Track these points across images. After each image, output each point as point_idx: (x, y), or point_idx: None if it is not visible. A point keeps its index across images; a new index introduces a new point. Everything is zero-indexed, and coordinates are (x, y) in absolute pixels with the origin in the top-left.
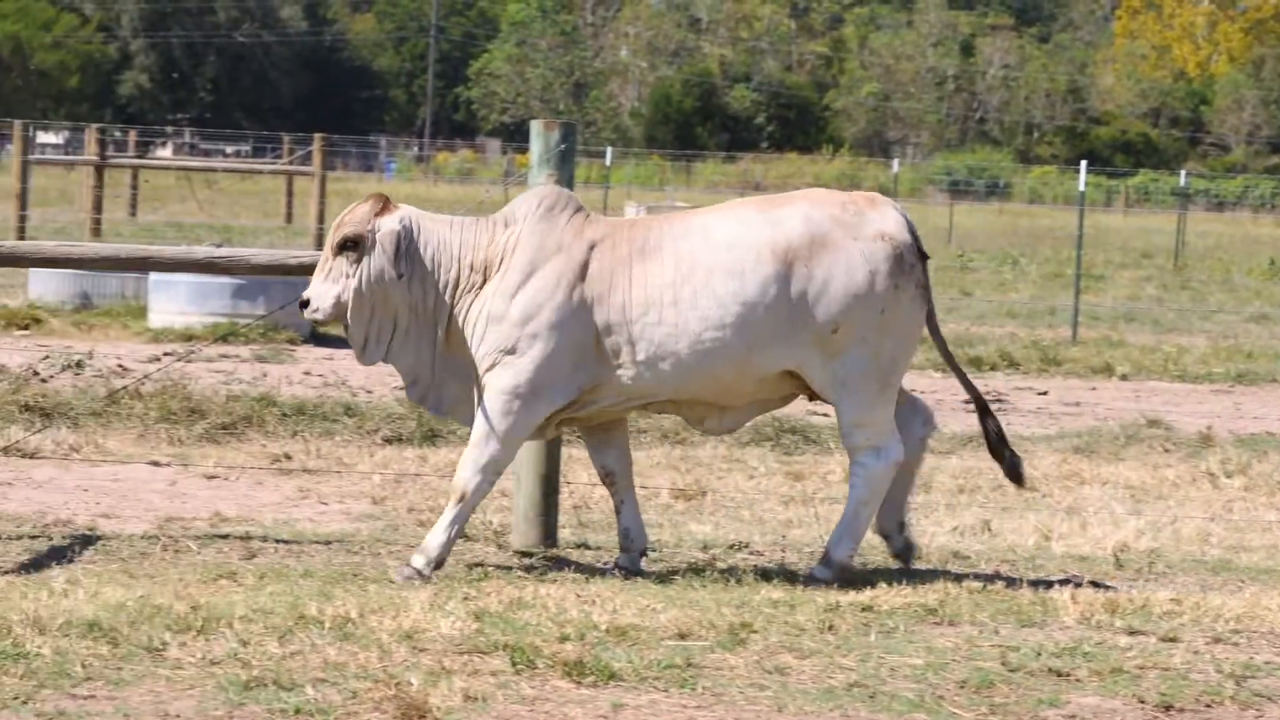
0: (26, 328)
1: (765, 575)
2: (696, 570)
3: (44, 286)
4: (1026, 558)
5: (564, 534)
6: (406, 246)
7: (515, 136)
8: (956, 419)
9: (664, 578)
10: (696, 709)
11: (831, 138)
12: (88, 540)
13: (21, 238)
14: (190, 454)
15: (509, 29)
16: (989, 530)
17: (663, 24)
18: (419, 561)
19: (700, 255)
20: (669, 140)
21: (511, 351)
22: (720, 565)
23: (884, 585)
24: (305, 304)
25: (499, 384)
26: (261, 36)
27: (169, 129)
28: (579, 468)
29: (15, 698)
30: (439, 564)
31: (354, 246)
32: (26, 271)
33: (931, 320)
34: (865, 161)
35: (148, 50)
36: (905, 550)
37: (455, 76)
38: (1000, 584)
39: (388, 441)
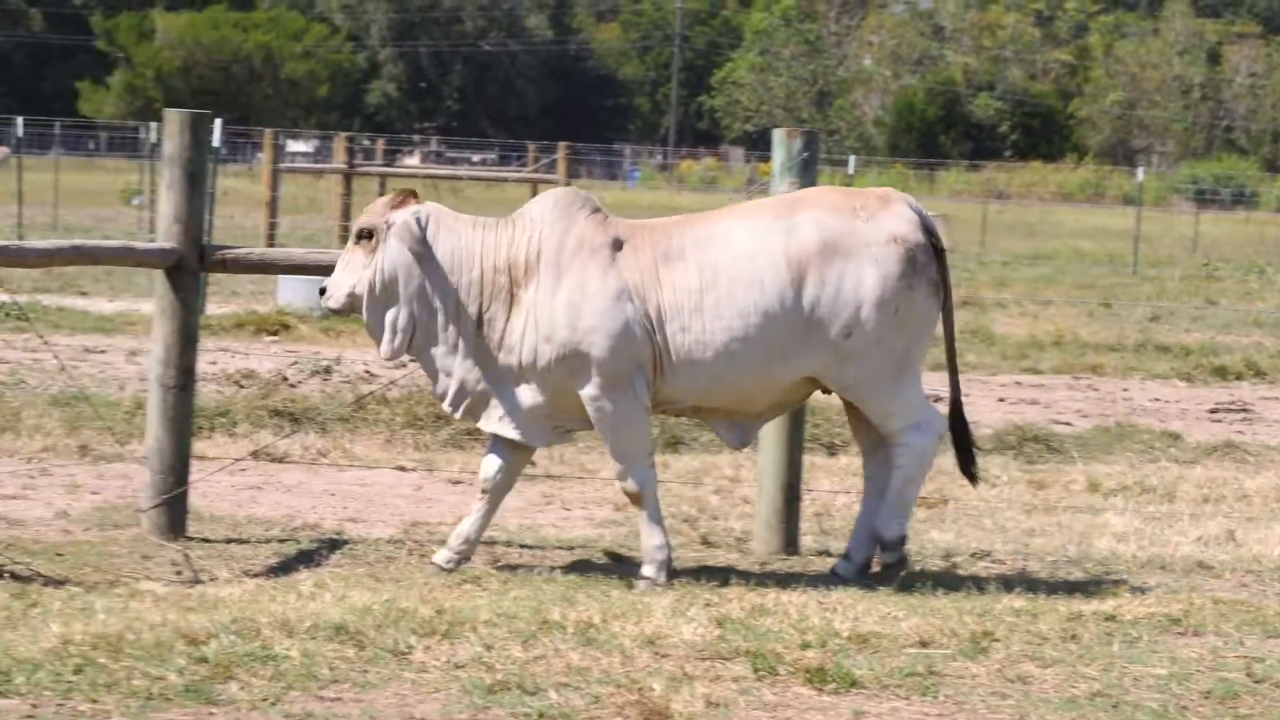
0: (276, 334)
1: (1007, 584)
2: (938, 578)
3: (293, 293)
4: (1272, 568)
5: (805, 541)
6: (420, 240)
7: (758, 145)
8: (1201, 428)
9: (906, 586)
10: (938, 717)
11: (1075, 146)
12: (335, 544)
13: (271, 244)
14: (435, 459)
15: (753, 38)
16: (1234, 540)
17: (906, 32)
18: (649, 571)
19: (723, 264)
20: (912, 148)
21: (581, 356)
22: (962, 573)
23: (1127, 595)
24: (323, 292)
25: (591, 391)
26: (507, 45)
27: (416, 137)
28: (821, 475)
29: (264, 699)
30: (667, 564)
31: (369, 237)
32: (276, 278)
33: (947, 312)
34: (1110, 170)
35: (396, 59)
36: (865, 565)
37: (699, 85)
38: (1245, 594)
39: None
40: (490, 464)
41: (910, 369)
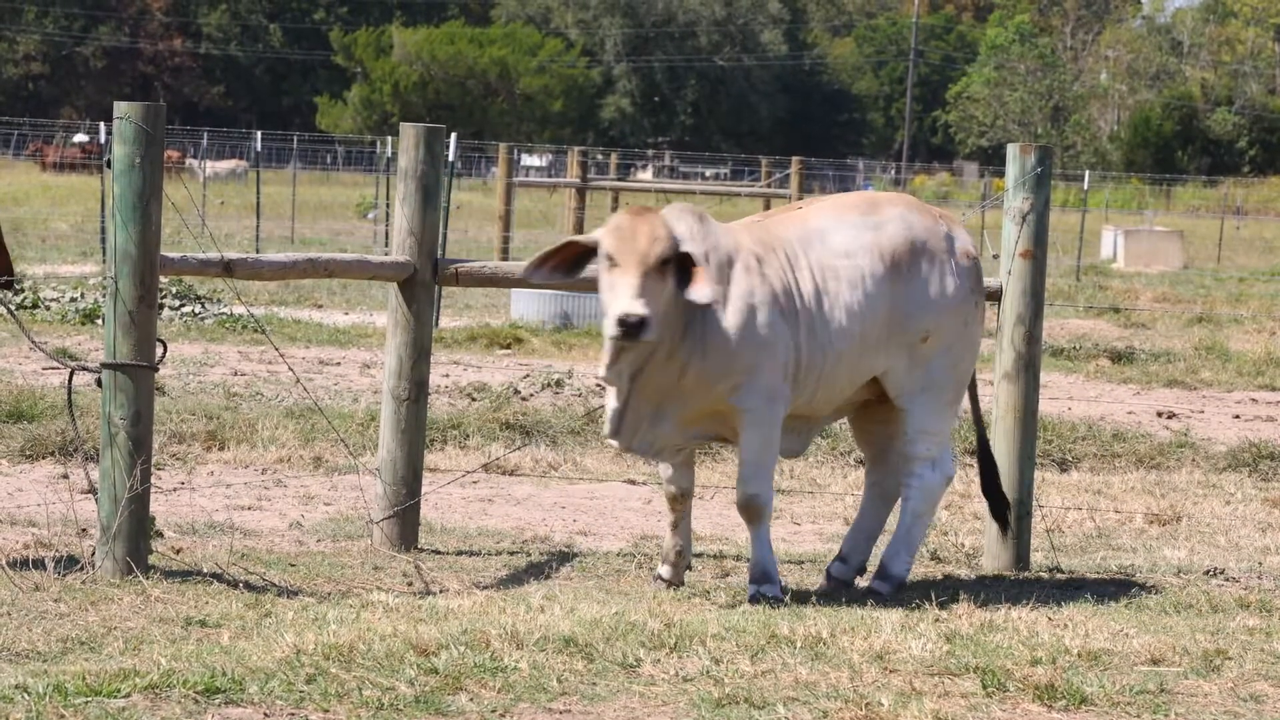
0: (509, 347)
1: (1241, 602)
2: (1171, 595)
3: (526, 307)
4: None
5: (1036, 557)
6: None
7: (992, 160)
8: None
9: (1137, 603)
10: None
11: None
12: (565, 557)
13: (505, 258)
14: None
15: (988, 53)
16: None
17: (1143, 47)
18: (764, 590)
19: (828, 263)
20: (1148, 164)
21: (750, 362)
22: (1195, 590)
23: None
24: (627, 325)
25: (750, 403)
26: (742, 60)
27: (649, 151)
28: (1052, 490)
29: (493, 710)
30: (771, 577)
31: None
32: (509, 292)
33: None
34: None
35: (630, 74)
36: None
37: (933, 100)
38: None
39: (860, 463)
40: (686, 475)
41: (958, 398)
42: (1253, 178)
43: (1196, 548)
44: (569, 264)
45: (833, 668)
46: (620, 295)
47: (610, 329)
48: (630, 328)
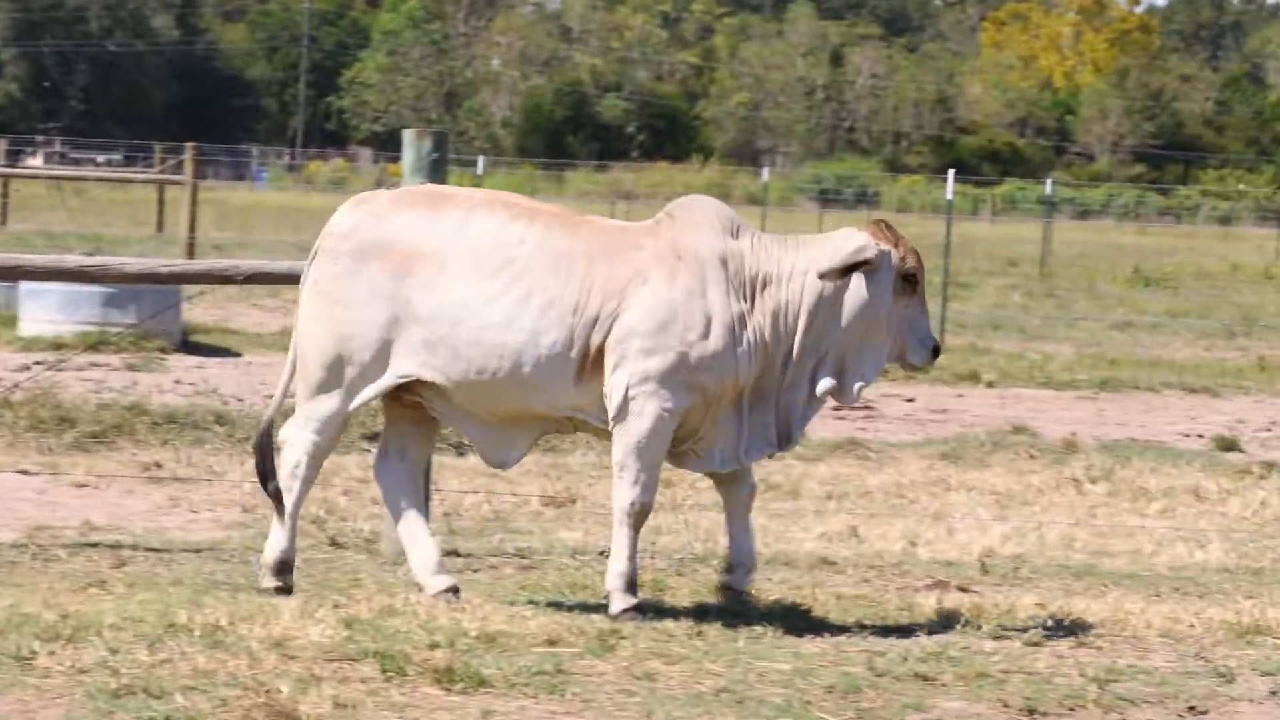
0: None
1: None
2: (566, 577)
3: None
4: (893, 563)
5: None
6: None
7: (387, 146)
8: (825, 425)
9: (534, 585)
10: (565, 715)
11: (702, 147)
12: None
13: None
14: (60, 462)
15: (380, 38)
16: (856, 536)
17: (534, 34)
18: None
19: None
20: (540, 149)
21: None
22: (591, 571)
23: (753, 592)
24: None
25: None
26: (133, 45)
27: (39, 138)
28: (450, 475)
29: None
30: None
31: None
32: None
33: None
34: (734, 171)
35: (18, 59)
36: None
37: (327, 85)
38: (868, 590)
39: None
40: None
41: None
42: (642, 162)
43: (591, 529)
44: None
45: (231, 655)
46: (927, 321)
47: (927, 358)
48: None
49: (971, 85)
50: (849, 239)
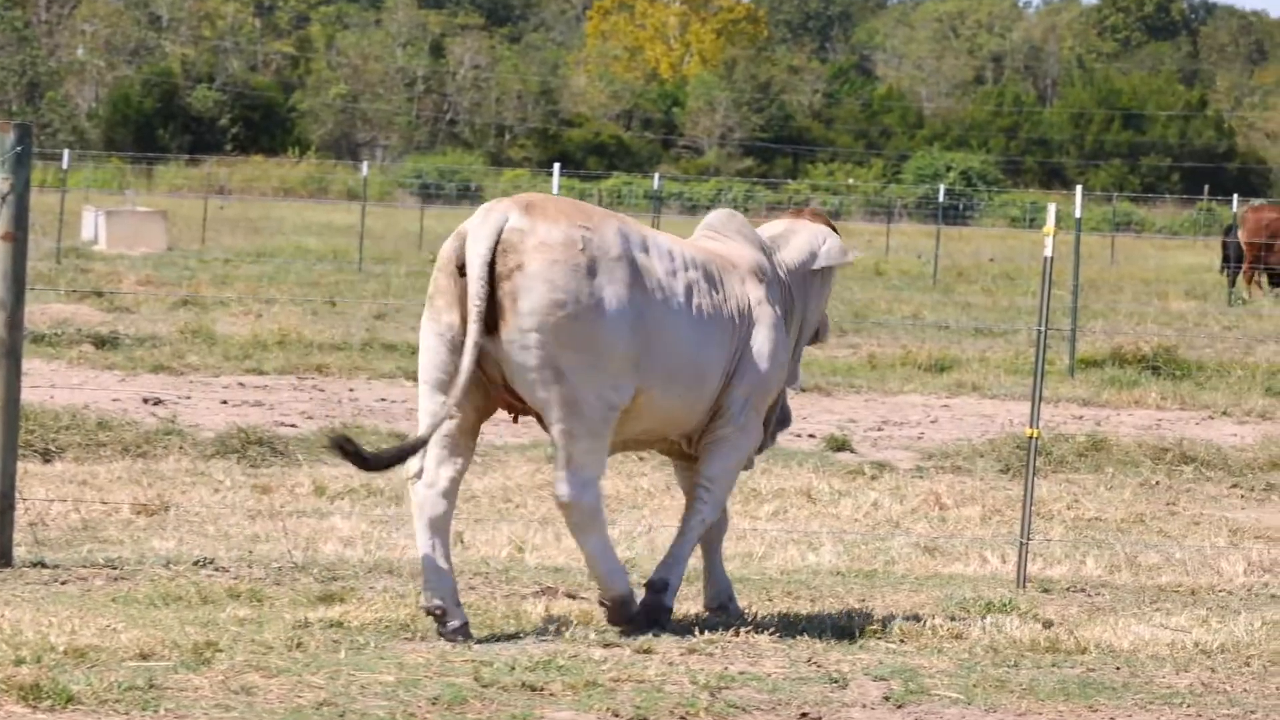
0: None
1: (232, 592)
2: (160, 588)
3: None
4: (500, 570)
5: (19, 552)
6: None
7: None
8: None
9: (126, 596)
10: None
11: (298, 140)
12: None
13: None
14: None
15: None
16: (461, 542)
17: (121, 21)
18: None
19: None
20: (129, 142)
21: None
22: (185, 582)
23: (354, 601)
24: None
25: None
26: None
27: None
28: (35, 482)
29: None
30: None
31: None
32: None
33: None
34: (333, 164)
35: None
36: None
37: None
38: (474, 597)
39: None
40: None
41: None
42: (236, 156)
43: (186, 537)
44: None
45: None
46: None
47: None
48: None
49: (576, 77)
50: (820, 235)
